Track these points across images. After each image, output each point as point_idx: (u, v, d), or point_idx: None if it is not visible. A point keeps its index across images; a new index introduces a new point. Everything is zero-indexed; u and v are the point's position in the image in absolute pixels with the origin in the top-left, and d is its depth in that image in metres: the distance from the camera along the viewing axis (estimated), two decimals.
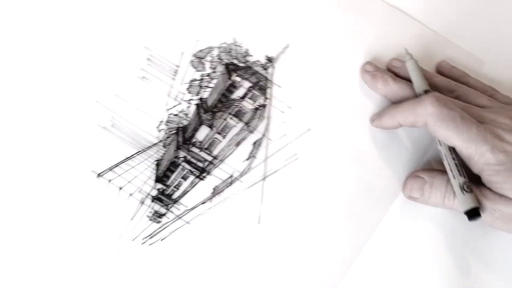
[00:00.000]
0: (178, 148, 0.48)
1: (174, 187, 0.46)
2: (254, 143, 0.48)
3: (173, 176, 0.47)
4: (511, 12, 0.53)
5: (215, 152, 0.48)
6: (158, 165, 0.47)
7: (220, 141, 0.48)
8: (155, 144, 0.48)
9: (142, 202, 0.46)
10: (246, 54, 0.51)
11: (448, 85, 0.47)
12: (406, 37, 0.51)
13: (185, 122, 0.48)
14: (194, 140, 0.48)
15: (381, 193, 0.47)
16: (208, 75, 0.50)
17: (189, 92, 0.50)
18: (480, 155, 0.41)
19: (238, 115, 0.49)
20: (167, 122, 0.48)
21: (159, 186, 0.46)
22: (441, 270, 0.46)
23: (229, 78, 0.50)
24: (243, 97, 0.50)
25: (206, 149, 0.48)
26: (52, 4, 0.52)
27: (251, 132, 0.48)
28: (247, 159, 0.48)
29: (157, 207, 0.46)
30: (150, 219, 0.45)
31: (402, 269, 0.45)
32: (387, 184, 0.47)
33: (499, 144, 0.41)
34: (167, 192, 0.46)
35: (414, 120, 0.43)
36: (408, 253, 0.46)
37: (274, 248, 0.45)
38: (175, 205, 0.46)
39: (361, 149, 0.48)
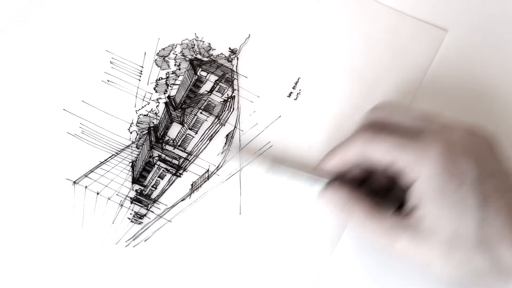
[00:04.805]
0: (151, 147, 0.47)
1: (152, 186, 0.46)
2: (227, 135, 0.48)
3: (149, 176, 0.47)
4: None
5: (189, 148, 0.48)
6: (133, 166, 0.47)
7: (193, 137, 0.48)
8: (127, 146, 0.47)
9: (122, 205, 0.45)
10: (209, 48, 0.51)
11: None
12: (364, 18, 0.53)
13: (155, 121, 0.48)
14: (166, 138, 0.48)
15: None
16: (174, 72, 0.50)
17: (156, 91, 0.49)
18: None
19: (207, 109, 0.49)
20: (137, 123, 0.48)
21: (137, 187, 0.46)
22: None
23: (195, 74, 0.50)
24: (210, 91, 0.50)
25: (179, 146, 0.48)
26: (13, 13, 0.51)
27: (222, 125, 0.49)
28: (222, 152, 0.48)
29: (137, 208, 0.45)
30: (132, 221, 0.45)
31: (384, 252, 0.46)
32: None
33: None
34: (145, 192, 0.46)
35: (348, 151, 0.41)
36: None
37: (258, 238, 0.45)
38: (155, 204, 0.46)
39: (333, 132, 0.49)
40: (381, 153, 0.39)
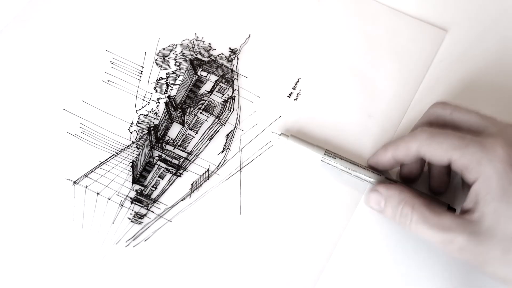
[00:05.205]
0: (151, 147, 0.47)
1: (152, 186, 0.46)
2: (227, 135, 0.48)
3: (149, 176, 0.47)
4: None
5: (189, 148, 0.48)
6: (133, 166, 0.47)
7: (193, 137, 0.48)
8: (128, 146, 0.47)
9: (122, 205, 0.45)
10: (209, 48, 0.51)
11: None
12: (364, 18, 0.53)
13: (156, 122, 0.48)
14: (167, 138, 0.48)
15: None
16: (174, 72, 0.50)
17: (157, 91, 0.49)
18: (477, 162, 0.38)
19: (208, 109, 0.49)
20: (137, 123, 0.48)
21: (137, 187, 0.46)
22: (426, 251, 0.46)
23: (195, 74, 0.50)
24: (211, 91, 0.50)
25: (179, 146, 0.48)
26: (13, 13, 0.51)
27: (222, 124, 0.49)
28: (222, 151, 0.48)
29: (137, 208, 0.45)
30: (132, 221, 0.45)
31: (385, 248, 0.46)
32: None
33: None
34: (146, 192, 0.46)
35: (406, 148, 0.42)
36: (390, 232, 0.47)
37: (258, 238, 0.45)
38: (155, 204, 0.46)
39: (333, 132, 0.49)
40: (441, 152, 0.39)
